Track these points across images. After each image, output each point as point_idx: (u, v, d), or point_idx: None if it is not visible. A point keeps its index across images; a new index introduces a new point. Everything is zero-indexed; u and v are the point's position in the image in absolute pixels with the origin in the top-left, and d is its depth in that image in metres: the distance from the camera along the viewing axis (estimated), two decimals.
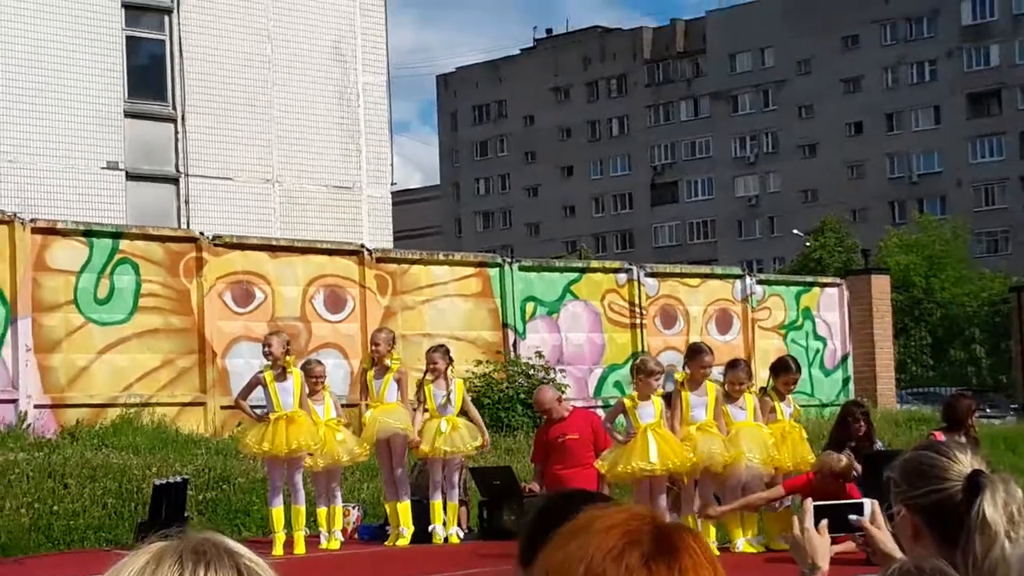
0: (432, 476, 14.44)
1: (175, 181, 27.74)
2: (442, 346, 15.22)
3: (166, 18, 27.90)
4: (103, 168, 26.59)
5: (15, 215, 19.62)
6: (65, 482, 15.27)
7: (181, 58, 27.82)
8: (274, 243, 22.60)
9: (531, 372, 22.72)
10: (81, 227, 20.27)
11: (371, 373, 14.44)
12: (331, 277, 22.07)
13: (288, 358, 14.04)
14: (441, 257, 24.34)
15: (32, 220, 19.83)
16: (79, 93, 26.28)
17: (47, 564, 12.91)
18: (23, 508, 14.89)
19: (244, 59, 28.48)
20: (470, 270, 23.60)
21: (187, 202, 27.65)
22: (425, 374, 14.59)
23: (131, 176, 27.04)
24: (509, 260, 24.22)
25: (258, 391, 14.29)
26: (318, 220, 28.89)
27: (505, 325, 23.54)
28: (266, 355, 14.14)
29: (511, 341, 23.49)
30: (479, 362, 22.72)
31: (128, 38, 27.38)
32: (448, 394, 14.36)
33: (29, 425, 18.72)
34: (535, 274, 24.34)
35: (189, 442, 19.04)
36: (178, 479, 14.90)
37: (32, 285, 19.27)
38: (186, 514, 14.76)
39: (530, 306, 23.92)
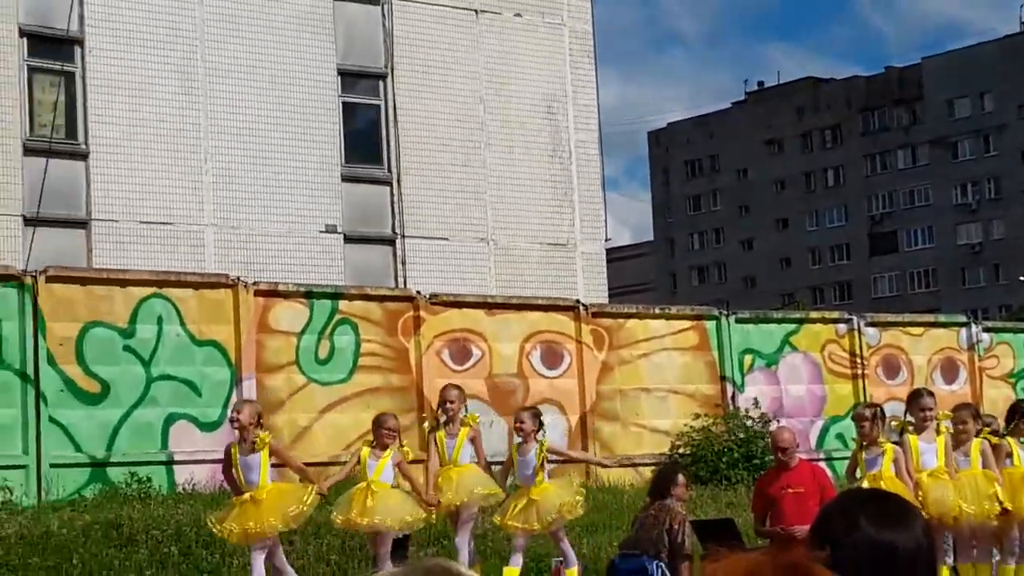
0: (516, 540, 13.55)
1: (391, 242, 28.16)
2: (533, 408, 14.39)
3: (380, 83, 28.44)
4: (322, 231, 27.13)
5: (239, 279, 20.10)
6: (290, 539, 15.49)
7: (396, 122, 28.30)
8: (490, 300, 22.74)
9: (750, 424, 22.42)
10: (302, 289, 20.67)
11: (441, 433, 13.52)
12: (547, 333, 22.11)
13: (260, 432, 12.59)
14: (657, 311, 24.21)
15: (255, 283, 20.29)
16: (299, 159, 26.92)
17: None
18: (248, 566, 15.15)
19: (457, 121, 28.85)
20: (687, 323, 23.42)
21: (403, 262, 28.03)
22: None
23: (349, 238, 27.54)
24: (726, 312, 23.98)
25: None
26: (533, 277, 29.03)
27: (723, 378, 23.28)
28: (232, 423, 12.86)
29: (729, 394, 23.23)
30: (697, 415, 22.52)
31: (344, 104, 27.97)
32: (535, 461, 13.31)
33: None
34: (752, 326, 24.05)
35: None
36: (399, 535, 15.01)
37: (256, 346, 19.71)
38: None
39: (748, 358, 23.64)
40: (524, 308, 22.33)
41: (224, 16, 26.46)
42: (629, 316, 23.18)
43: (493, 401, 21.61)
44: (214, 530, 12.93)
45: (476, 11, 29.45)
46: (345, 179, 27.66)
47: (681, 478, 14.05)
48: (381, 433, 13.08)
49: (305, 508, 12.63)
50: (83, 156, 25.00)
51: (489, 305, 22.22)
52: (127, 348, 18.83)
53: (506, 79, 29.60)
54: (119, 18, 25.43)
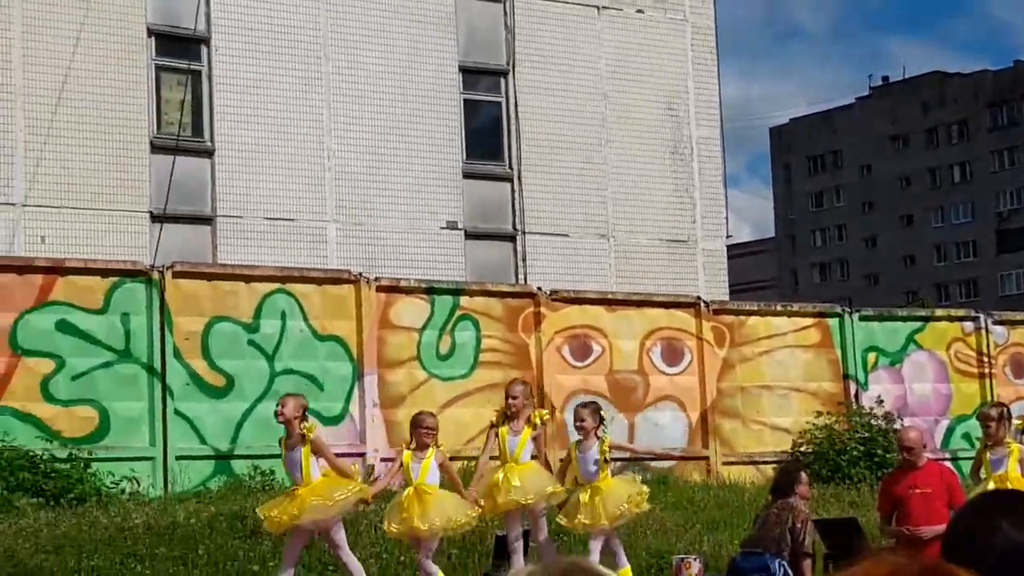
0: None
1: (512, 239, 28.21)
2: (592, 403, 13.93)
3: (502, 80, 28.49)
4: (443, 228, 27.26)
5: (361, 274, 20.26)
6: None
7: (517, 118, 28.35)
8: (610, 297, 22.70)
9: (874, 423, 22.15)
10: (423, 285, 20.79)
11: (504, 429, 13.15)
12: (668, 330, 22.03)
13: (307, 424, 12.35)
14: (779, 308, 24.01)
15: (377, 279, 20.45)
16: (420, 156, 27.07)
17: None
18: (372, 559, 15.26)
19: (578, 117, 28.82)
20: (809, 320, 23.21)
21: (524, 258, 28.07)
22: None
23: (470, 235, 27.64)
24: (849, 310, 23.72)
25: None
26: (652, 274, 28.92)
27: (846, 376, 23.04)
28: (276, 416, 12.57)
29: (852, 392, 22.97)
30: (819, 413, 22.31)
31: (466, 101, 28.08)
32: (597, 456, 13.00)
33: (376, 478, 19.21)
34: (876, 324, 23.77)
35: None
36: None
37: (377, 342, 19.85)
38: None
39: (872, 356, 23.36)
40: (645, 305, 22.26)
41: (347, 15, 26.68)
42: (751, 313, 23.02)
43: (613, 397, 21.58)
44: (262, 517, 12.79)
45: (598, 7, 29.41)
46: (466, 176, 27.76)
47: (804, 476, 13.92)
48: (420, 433, 12.71)
49: (349, 496, 12.40)
50: (209, 153, 25.35)
51: (610, 301, 22.18)
52: (251, 343, 19.07)
53: (627, 75, 29.51)
54: (245, 17, 25.75)
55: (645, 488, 13.36)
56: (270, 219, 25.61)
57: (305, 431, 12.23)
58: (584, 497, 12.94)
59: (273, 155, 25.70)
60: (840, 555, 14.62)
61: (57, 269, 18.09)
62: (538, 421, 13.17)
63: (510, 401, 13.19)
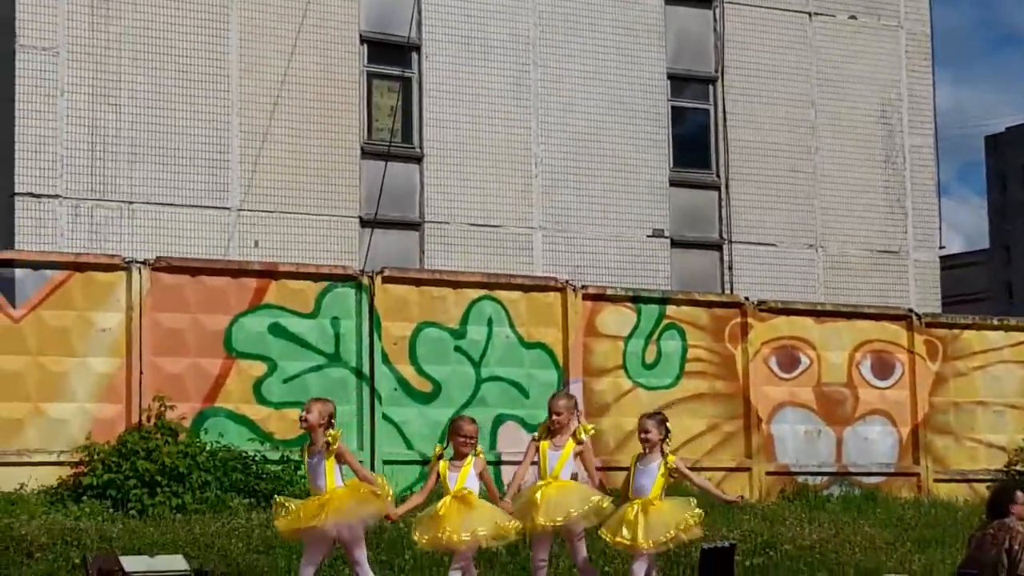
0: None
1: (719, 247, 27.95)
2: (658, 414, 12.92)
3: (710, 87, 28.26)
4: (649, 236, 27.12)
5: (567, 282, 20.24)
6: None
7: (725, 126, 28.08)
8: (819, 308, 22.31)
9: None
10: (630, 293, 20.69)
11: (546, 444, 12.28)
12: (878, 343, 21.59)
13: (332, 432, 11.64)
14: (996, 322, 23.34)
15: (583, 287, 20.41)
16: (627, 163, 26.98)
17: None
18: (575, 567, 15.20)
19: (787, 125, 28.44)
20: None
21: (730, 268, 27.79)
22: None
23: (676, 243, 27.45)
24: None
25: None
26: (861, 285, 28.40)
27: None
28: (301, 422, 11.81)
29: None
30: None
31: (674, 108, 27.90)
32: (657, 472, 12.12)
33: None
34: None
35: (734, 508, 18.95)
36: (725, 544, 14.82)
37: (583, 350, 19.80)
38: None
39: None
40: (854, 316, 21.83)
41: (557, 22, 26.72)
42: (965, 327, 22.41)
43: (821, 410, 21.24)
44: (278, 524, 11.80)
45: (809, 13, 28.98)
46: (673, 183, 27.58)
47: (1020, 495, 13.45)
48: (458, 441, 11.91)
49: (376, 505, 11.64)
50: (417, 160, 25.62)
51: (818, 313, 21.80)
52: (458, 348, 19.17)
53: (839, 82, 29.03)
54: (455, 25, 25.97)
55: (699, 511, 12.31)
56: (476, 225, 25.77)
57: (330, 439, 11.56)
58: (631, 514, 12.02)
59: (481, 162, 25.86)
60: None
61: (270, 273, 18.42)
62: (583, 436, 12.29)
63: (554, 417, 12.28)
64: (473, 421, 12.13)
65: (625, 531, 11.97)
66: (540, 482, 12.10)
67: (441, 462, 11.83)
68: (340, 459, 11.61)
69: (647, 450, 12.22)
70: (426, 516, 11.84)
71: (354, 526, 11.63)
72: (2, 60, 22.89)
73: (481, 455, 12.00)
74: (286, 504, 11.74)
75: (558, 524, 11.99)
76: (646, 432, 12.24)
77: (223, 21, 24.16)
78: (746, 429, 20.68)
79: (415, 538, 11.94)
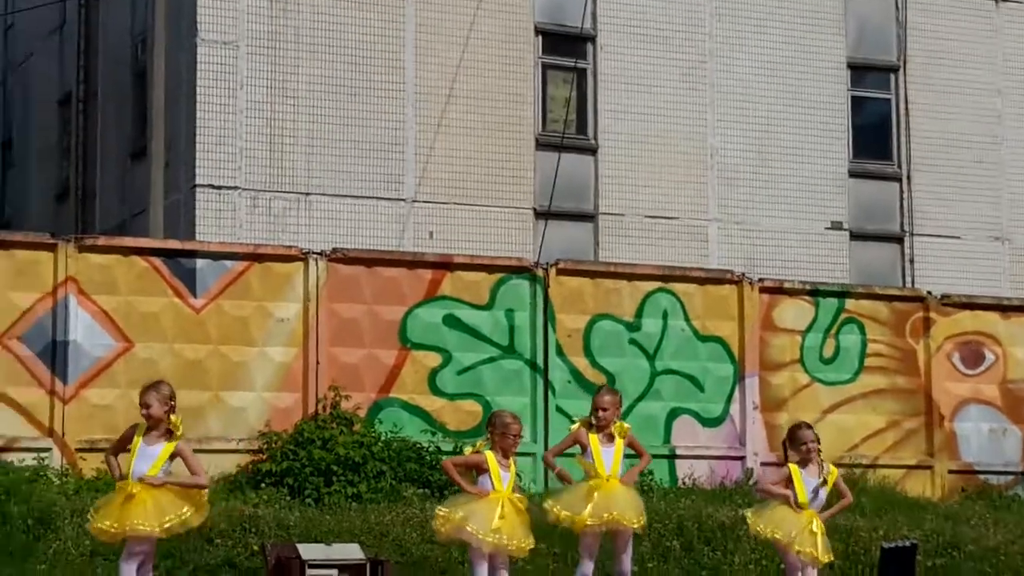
0: None
1: (899, 240, 27.35)
2: (809, 426, 12.16)
3: (891, 77, 27.66)
4: (827, 228, 26.65)
5: (743, 275, 19.99)
6: None
7: (907, 116, 27.47)
8: (1005, 303, 21.70)
9: None
10: (808, 286, 20.35)
11: (596, 438, 11.75)
12: None
13: (174, 417, 10.57)
14: None
15: (760, 280, 20.14)
16: (805, 155, 26.53)
17: None
18: (751, 564, 15.01)
19: (972, 114, 27.71)
20: None
21: (911, 261, 27.18)
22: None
23: (855, 236, 26.93)
24: None
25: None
26: None
27: None
28: (143, 407, 10.62)
29: None
30: None
31: (853, 98, 27.37)
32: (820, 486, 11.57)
33: (755, 483, 18.90)
34: None
35: (916, 506, 18.57)
36: (907, 543, 14.49)
37: (760, 343, 19.54)
38: None
39: None
40: None
41: (734, 10, 26.37)
42: None
43: (1006, 408, 20.74)
44: (91, 526, 10.58)
45: (996, 0, 28.22)
46: (852, 175, 27.05)
47: None
48: (508, 440, 11.23)
49: (184, 517, 10.45)
50: (592, 151, 25.49)
51: (1004, 307, 21.24)
52: (632, 341, 19.04)
53: None
54: (630, 15, 25.77)
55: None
56: (651, 217, 25.57)
57: (173, 426, 10.57)
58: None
59: (656, 153, 25.65)
60: None
61: (446, 264, 18.47)
62: (626, 433, 11.78)
63: (600, 413, 11.76)
64: (519, 420, 11.49)
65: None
66: (595, 479, 11.56)
67: (488, 453, 11.13)
68: (178, 453, 10.56)
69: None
70: (480, 514, 10.95)
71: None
72: (184, 54, 23.29)
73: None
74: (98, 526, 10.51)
75: (609, 524, 11.52)
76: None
77: (399, 13, 24.29)
78: (928, 426, 20.23)
79: (479, 535, 11.00)
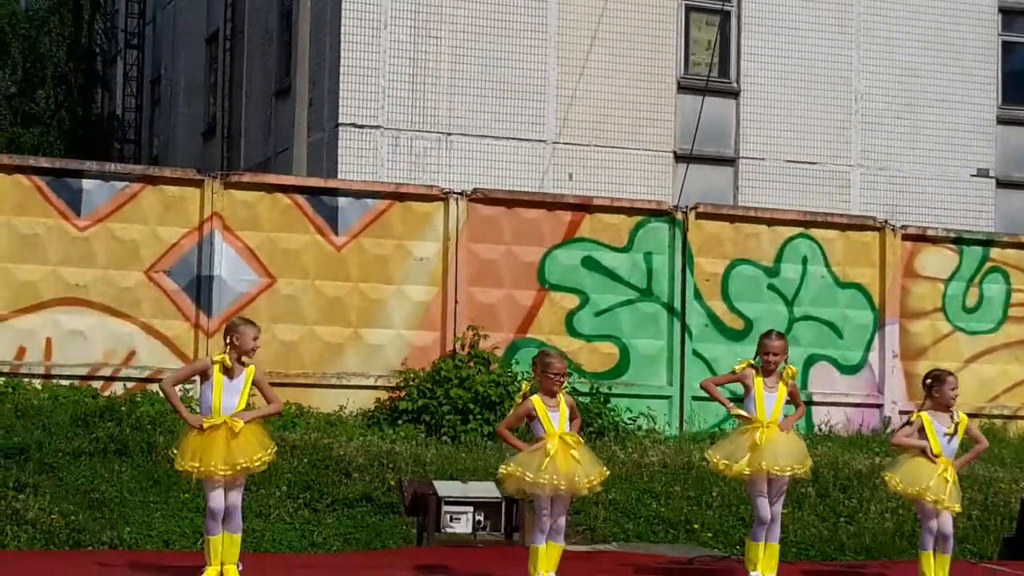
0: None
1: None
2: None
3: None
4: (973, 175, 26.18)
5: (886, 222, 19.75)
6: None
7: None
8: None
9: None
10: (952, 234, 20.06)
11: (760, 381, 11.29)
12: None
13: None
14: None
15: (903, 227, 19.89)
16: (952, 101, 26.04)
17: (910, 570, 12.78)
18: (887, 513, 14.91)
19: None
20: None
21: None
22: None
23: (1001, 183, 26.43)
24: None
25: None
26: None
27: None
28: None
29: None
30: None
31: (1004, 43, 26.78)
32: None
33: (893, 431, 18.71)
34: None
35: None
36: None
37: (900, 291, 19.32)
38: None
39: None
40: None
41: None
42: None
43: None
44: (202, 470, 10.17)
45: None
46: (1000, 121, 26.51)
47: None
48: (550, 379, 10.62)
49: (272, 450, 10.46)
50: (734, 95, 25.27)
51: None
52: (771, 287, 18.96)
53: None
54: None
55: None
56: (792, 162, 25.31)
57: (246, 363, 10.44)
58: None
59: (799, 97, 25.35)
60: None
61: (585, 207, 18.49)
62: (791, 380, 11.37)
63: (771, 358, 11.29)
64: (562, 358, 10.90)
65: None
66: (756, 424, 11.17)
67: (535, 398, 10.63)
68: (256, 383, 10.52)
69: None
70: (535, 459, 10.53)
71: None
72: None
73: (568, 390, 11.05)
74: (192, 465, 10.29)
75: (781, 474, 11.15)
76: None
77: None
78: None
79: (532, 479, 10.49)
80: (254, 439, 10.29)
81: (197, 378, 10.81)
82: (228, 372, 10.34)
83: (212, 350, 16.68)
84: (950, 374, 11.65)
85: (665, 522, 14.32)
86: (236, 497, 10.28)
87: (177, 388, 10.66)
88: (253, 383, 10.44)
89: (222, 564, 10.24)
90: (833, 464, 16.05)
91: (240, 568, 10.31)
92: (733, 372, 11.62)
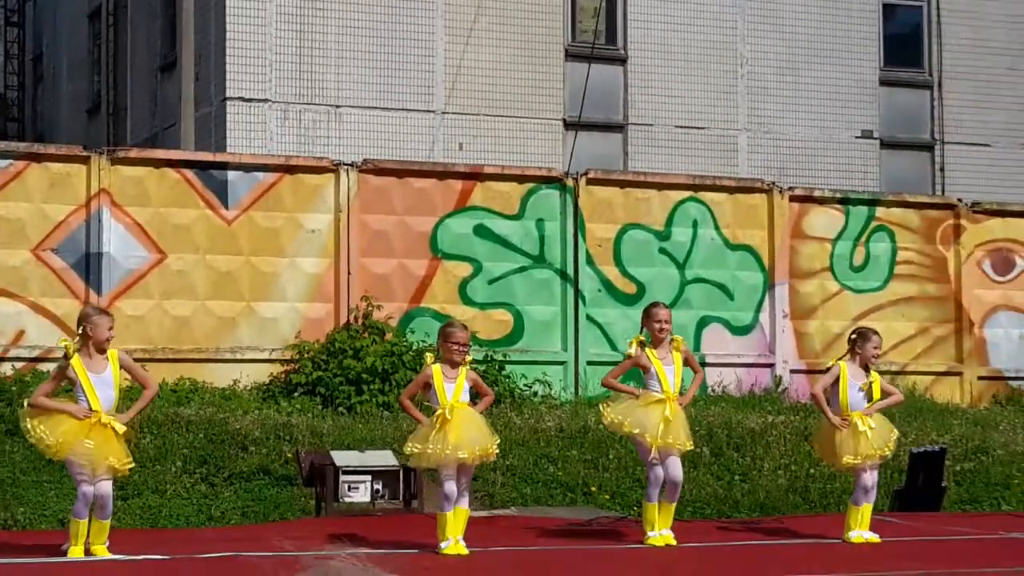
0: None
1: (930, 148, 27.25)
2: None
3: None
4: (857, 137, 26.55)
5: (773, 184, 19.97)
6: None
7: (939, 23, 27.26)
8: None
9: None
10: (838, 195, 20.34)
11: (654, 354, 11.43)
12: None
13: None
14: None
15: (790, 188, 20.13)
16: (835, 64, 26.38)
17: (803, 524, 13.00)
18: (780, 470, 15.14)
19: (1006, 22, 27.51)
20: None
21: (942, 169, 27.09)
22: None
23: (885, 144, 26.83)
24: None
25: None
26: None
27: None
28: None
29: None
30: None
31: (885, 6, 27.15)
32: None
33: (784, 390, 19.03)
34: None
35: (945, 412, 18.66)
36: (936, 448, 14.60)
37: (789, 252, 19.57)
38: (943, 484, 14.45)
39: None
40: None
41: None
42: None
43: None
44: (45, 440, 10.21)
45: None
46: (883, 83, 26.91)
47: None
48: (451, 348, 10.76)
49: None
50: (621, 61, 25.40)
51: None
52: (662, 250, 19.10)
53: None
54: None
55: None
56: (681, 127, 25.52)
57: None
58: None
59: (685, 63, 25.55)
60: None
61: (476, 175, 18.51)
62: (682, 347, 11.54)
63: (662, 325, 11.48)
64: (466, 328, 11.05)
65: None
66: (659, 395, 11.30)
67: (435, 367, 10.76)
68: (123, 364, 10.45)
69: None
70: (425, 430, 10.70)
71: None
72: None
73: (472, 364, 11.10)
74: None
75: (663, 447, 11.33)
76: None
77: None
78: (957, 333, 20.28)
79: (407, 450, 10.79)
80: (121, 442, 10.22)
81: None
82: (91, 366, 10.18)
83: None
84: (875, 332, 11.93)
85: (563, 486, 14.43)
86: (107, 487, 10.23)
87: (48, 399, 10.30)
88: (122, 368, 10.32)
89: (89, 544, 10.22)
90: (727, 424, 16.27)
91: (108, 546, 10.29)
92: (628, 358, 11.67)
